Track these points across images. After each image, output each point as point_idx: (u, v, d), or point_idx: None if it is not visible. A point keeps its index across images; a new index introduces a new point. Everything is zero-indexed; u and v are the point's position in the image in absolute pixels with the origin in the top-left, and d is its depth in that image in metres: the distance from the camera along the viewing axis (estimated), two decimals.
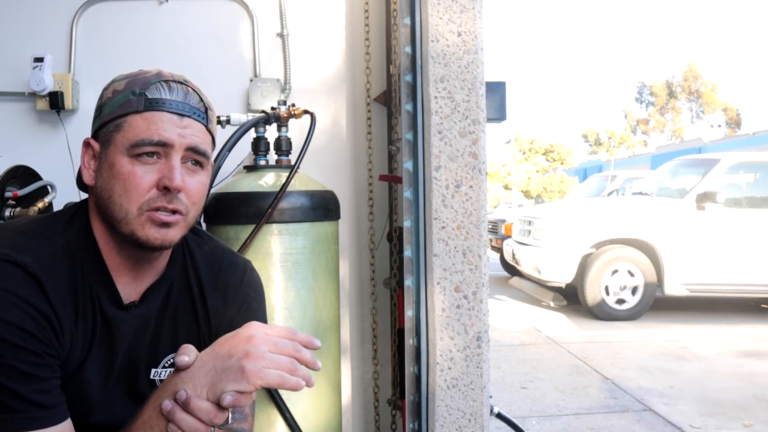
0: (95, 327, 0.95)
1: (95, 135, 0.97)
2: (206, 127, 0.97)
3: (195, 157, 0.95)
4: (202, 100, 0.97)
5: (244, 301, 1.11)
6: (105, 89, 0.98)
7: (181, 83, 0.96)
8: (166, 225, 0.93)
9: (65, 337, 0.91)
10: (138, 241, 0.93)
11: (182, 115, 0.94)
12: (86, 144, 0.98)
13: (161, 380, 1.03)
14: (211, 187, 1.71)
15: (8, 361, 0.84)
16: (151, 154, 0.92)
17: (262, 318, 1.14)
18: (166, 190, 0.92)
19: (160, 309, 1.03)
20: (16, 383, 0.84)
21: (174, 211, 0.93)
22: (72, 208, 1.00)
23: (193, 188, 0.95)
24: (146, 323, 1.01)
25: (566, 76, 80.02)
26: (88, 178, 0.97)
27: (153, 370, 1.04)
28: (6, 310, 0.84)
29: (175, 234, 0.95)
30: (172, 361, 1.04)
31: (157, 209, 0.92)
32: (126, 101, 0.93)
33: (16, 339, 0.84)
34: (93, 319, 0.95)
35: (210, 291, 1.08)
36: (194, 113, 0.95)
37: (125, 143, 0.92)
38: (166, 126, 0.92)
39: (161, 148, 0.92)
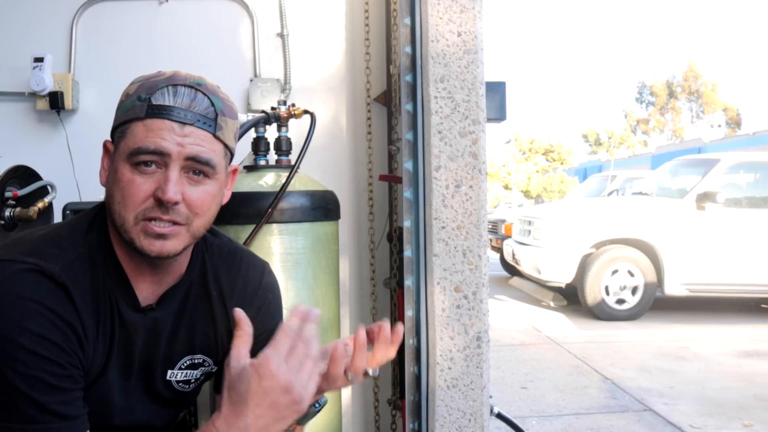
0: (114, 331, 0.94)
1: (112, 137, 0.95)
2: (213, 134, 0.92)
3: (197, 166, 0.91)
4: (213, 105, 0.92)
5: (263, 303, 1.11)
6: (124, 90, 0.95)
7: (191, 87, 0.91)
8: (162, 236, 0.90)
9: (89, 344, 0.90)
10: (137, 250, 0.91)
11: (184, 123, 0.89)
12: (104, 145, 0.96)
13: (177, 381, 1.04)
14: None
15: (33, 372, 0.83)
16: (149, 163, 0.88)
17: (280, 320, 1.13)
18: (160, 201, 0.88)
19: (178, 312, 1.02)
20: (40, 394, 0.83)
21: (172, 222, 0.90)
22: (93, 210, 0.99)
23: (196, 198, 0.91)
24: (163, 326, 1.00)
25: (566, 76, 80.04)
26: (101, 179, 0.95)
27: (169, 372, 1.03)
28: (33, 321, 0.84)
29: (174, 245, 0.92)
30: (188, 362, 1.04)
31: (152, 219, 0.89)
32: (132, 107, 0.90)
33: (42, 350, 0.83)
34: (112, 323, 0.94)
35: (229, 293, 1.07)
36: (198, 121, 0.90)
37: (126, 151, 0.89)
38: (164, 134, 0.88)
39: (159, 157, 0.88)
